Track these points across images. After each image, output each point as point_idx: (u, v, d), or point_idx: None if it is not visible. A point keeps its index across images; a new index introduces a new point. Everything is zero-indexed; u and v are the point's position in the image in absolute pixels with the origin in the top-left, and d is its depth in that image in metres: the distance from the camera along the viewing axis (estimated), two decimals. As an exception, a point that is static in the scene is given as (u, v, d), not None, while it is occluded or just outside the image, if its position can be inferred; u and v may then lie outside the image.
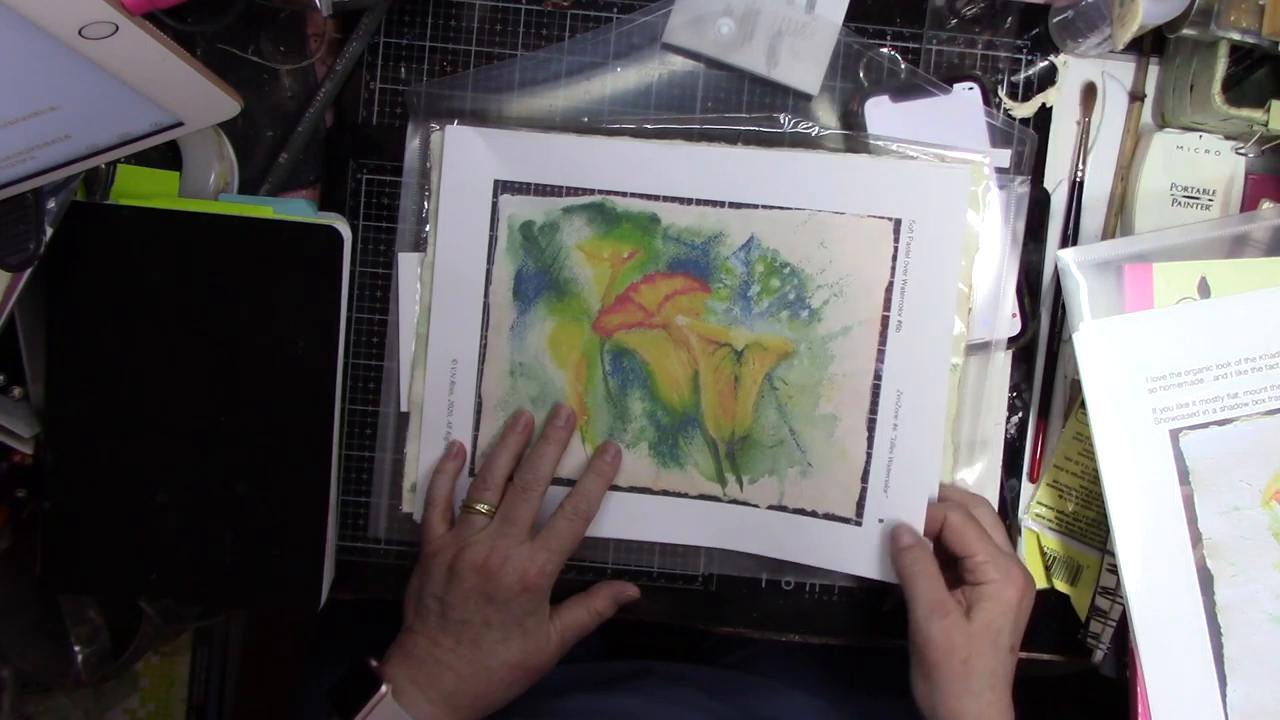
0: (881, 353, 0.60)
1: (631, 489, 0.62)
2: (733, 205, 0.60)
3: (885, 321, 0.60)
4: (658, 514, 0.62)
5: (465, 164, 0.61)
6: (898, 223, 0.60)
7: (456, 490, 0.62)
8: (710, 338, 0.61)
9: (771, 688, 0.72)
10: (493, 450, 0.61)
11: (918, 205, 0.60)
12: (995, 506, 0.63)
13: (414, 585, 0.59)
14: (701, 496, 0.62)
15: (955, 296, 0.60)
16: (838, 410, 0.61)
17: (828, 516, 0.61)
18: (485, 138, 0.60)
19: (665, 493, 0.62)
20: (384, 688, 0.54)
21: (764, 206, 0.60)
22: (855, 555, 0.62)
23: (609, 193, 0.61)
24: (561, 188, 0.61)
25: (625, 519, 0.62)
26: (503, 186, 0.61)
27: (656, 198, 0.60)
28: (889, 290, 0.60)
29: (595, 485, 0.60)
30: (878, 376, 0.60)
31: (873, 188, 0.60)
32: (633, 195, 0.60)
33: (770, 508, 0.62)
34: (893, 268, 0.60)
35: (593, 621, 0.61)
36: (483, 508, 0.59)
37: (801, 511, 0.61)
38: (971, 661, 0.54)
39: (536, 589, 0.57)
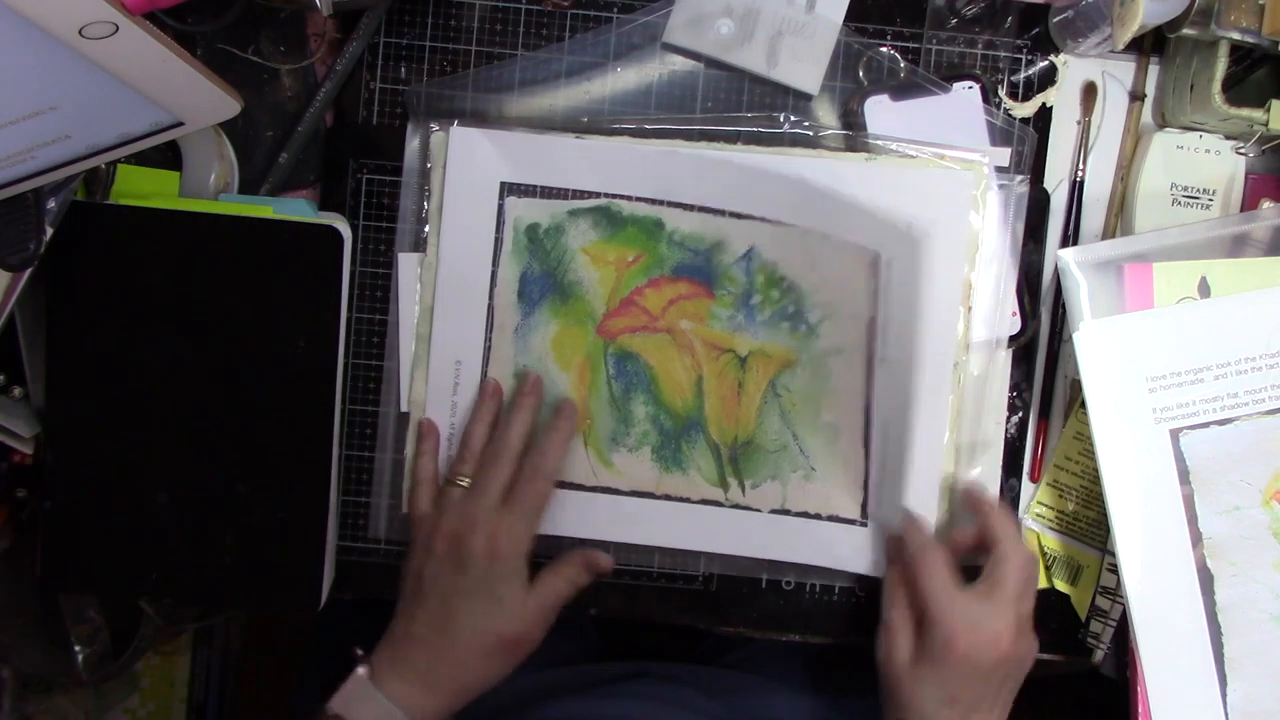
0: (875, 374, 0.60)
1: (634, 493, 0.62)
2: (733, 215, 0.60)
3: (873, 349, 0.60)
4: (659, 518, 0.62)
5: (470, 165, 0.61)
6: (876, 256, 0.59)
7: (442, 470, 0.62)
8: (714, 343, 0.61)
9: (770, 688, 0.72)
10: (468, 422, 0.61)
11: (923, 212, 0.60)
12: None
13: (403, 568, 0.59)
14: (704, 501, 0.62)
15: (959, 304, 0.60)
16: (839, 420, 0.61)
17: (832, 518, 0.61)
18: (490, 139, 0.60)
19: (667, 497, 0.62)
20: (359, 669, 0.55)
21: (762, 219, 0.60)
22: (860, 555, 0.62)
23: (614, 196, 0.61)
24: (567, 190, 0.61)
25: (627, 522, 0.62)
26: (509, 189, 0.61)
27: (661, 202, 0.61)
28: (871, 324, 0.60)
29: (553, 441, 0.59)
30: (876, 397, 0.60)
31: (876, 197, 0.60)
32: (637, 199, 0.61)
33: (773, 511, 0.62)
34: (874, 302, 0.60)
35: (569, 589, 0.59)
36: (463, 481, 0.59)
37: (805, 514, 0.62)
38: (903, 686, 0.55)
39: (506, 554, 0.56)
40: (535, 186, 0.61)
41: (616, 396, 0.62)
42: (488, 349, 0.62)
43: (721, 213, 0.60)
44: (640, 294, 0.61)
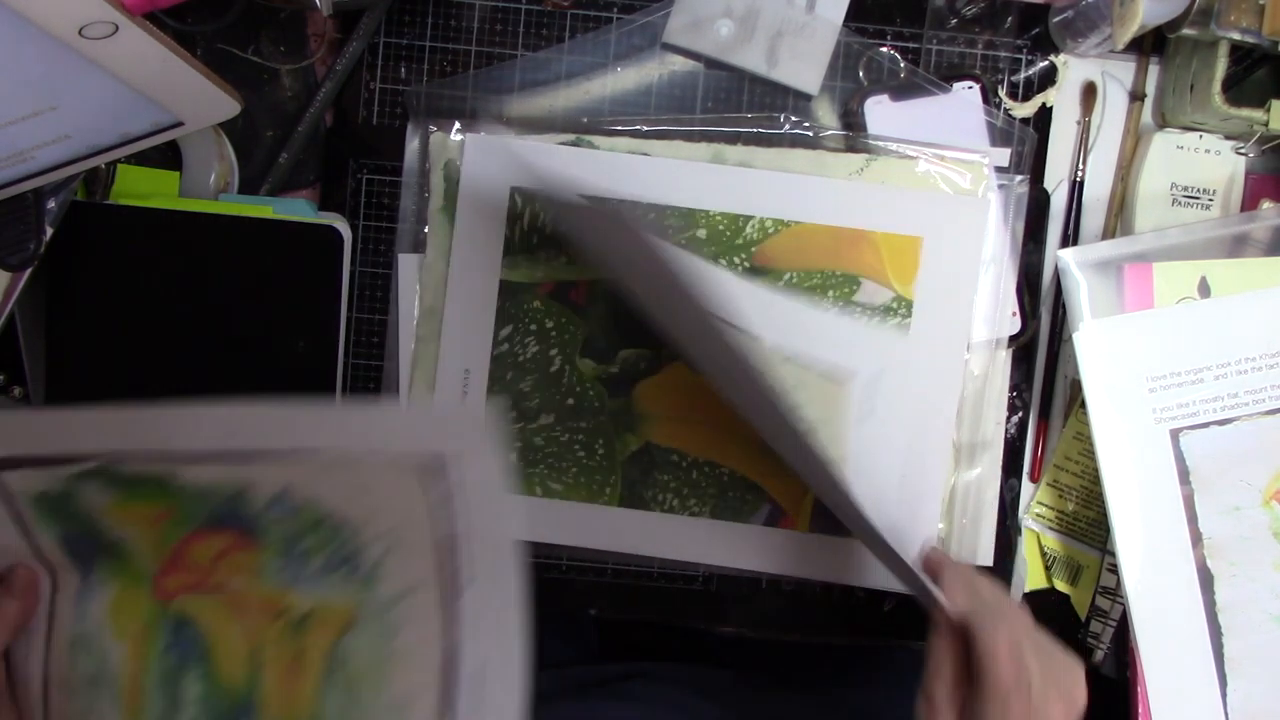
0: (464, 607, 0.49)
1: None
2: (256, 454, 0.48)
3: (451, 576, 0.49)
4: None
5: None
6: (428, 460, 0.48)
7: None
8: (267, 603, 0.49)
9: (769, 687, 0.72)
10: None
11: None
12: (995, 505, 0.63)
13: None
14: None
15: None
16: (410, 691, 0.49)
17: None
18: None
19: None
20: None
21: (292, 451, 0.48)
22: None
23: (105, 455, 0.48)
24: (57, 456, 0.48)
25: None
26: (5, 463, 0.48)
27: (162, 459, 0.49)
28: (445, 543, 0.48)
29: None
30: (464, 638, 0.49)
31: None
32: (135, 455, 0.48)
33: None
34: (443, 513, 0.48)
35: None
36: None
37: None
38: None
39: None
40: (26, 458, 0.48)
41: (169, 672, 0.50)
42: (51, 611, 0.50)
43: (240, 454, 0.48)
44: (187, 546, 0.50)
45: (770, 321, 0.58)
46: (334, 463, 0.48)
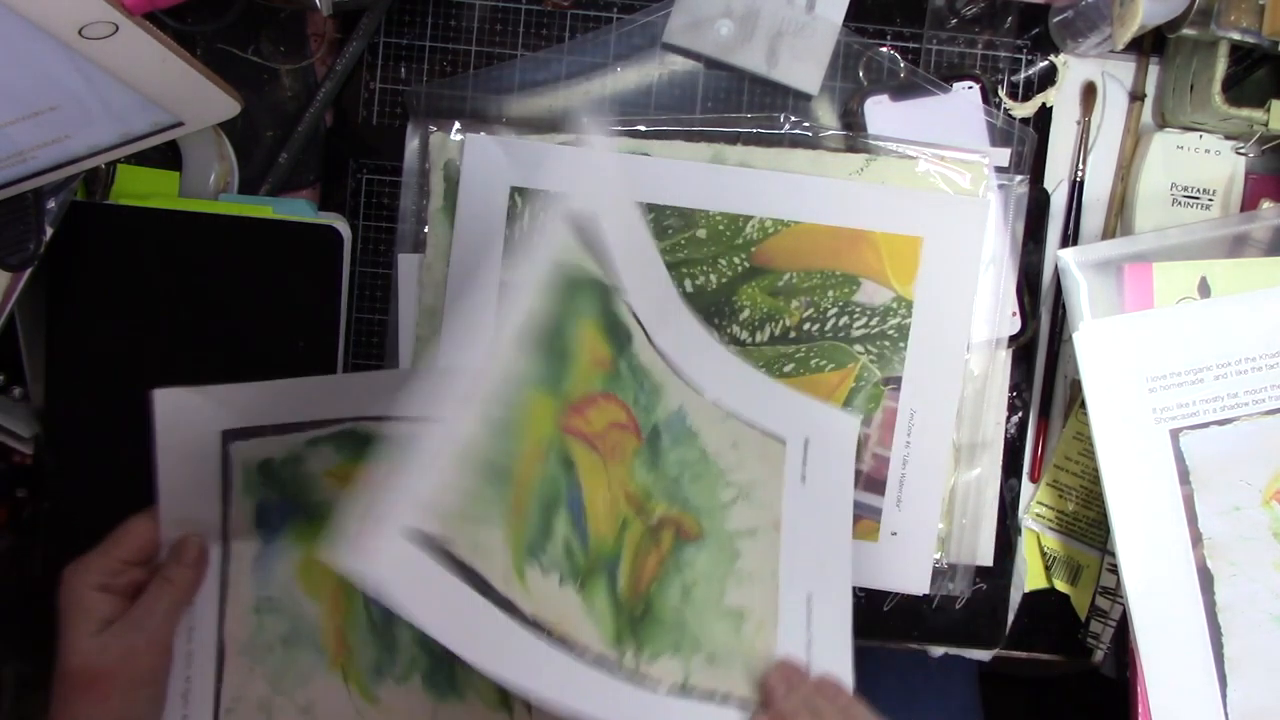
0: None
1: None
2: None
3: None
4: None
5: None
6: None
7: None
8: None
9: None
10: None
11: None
12: (995, 505, 0.63)
13: None
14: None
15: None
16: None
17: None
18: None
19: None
20: None
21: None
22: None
23: (356, 418, 0.50)
24: (305, 423, 0.51)
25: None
26: (233, 434, 0.50)
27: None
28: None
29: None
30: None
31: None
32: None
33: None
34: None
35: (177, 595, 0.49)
36: None
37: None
38: None
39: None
40: (265, 426, 0.50)
41: (382, 616, 0.52)
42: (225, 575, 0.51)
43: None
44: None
45: (720, 378, 0.55)
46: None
